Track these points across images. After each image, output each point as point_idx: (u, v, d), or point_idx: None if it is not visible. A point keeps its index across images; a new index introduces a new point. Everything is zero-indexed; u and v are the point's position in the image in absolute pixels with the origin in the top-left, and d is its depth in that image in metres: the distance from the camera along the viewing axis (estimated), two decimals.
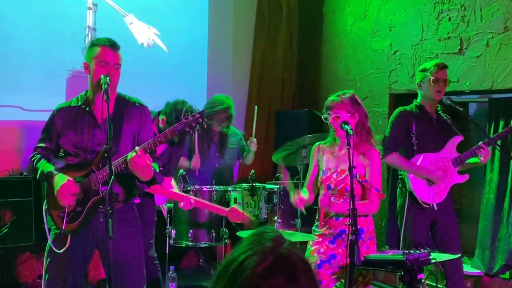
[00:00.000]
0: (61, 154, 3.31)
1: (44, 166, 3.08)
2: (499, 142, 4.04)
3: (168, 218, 4.46)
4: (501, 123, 4.58)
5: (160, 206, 4.80)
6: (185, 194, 3.99)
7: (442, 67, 4.02)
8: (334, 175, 3.28)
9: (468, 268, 4.78)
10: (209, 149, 4.74)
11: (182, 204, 3.92)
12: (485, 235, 4.70)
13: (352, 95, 3.31)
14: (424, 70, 4.04)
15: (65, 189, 2.94)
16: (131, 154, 2.88)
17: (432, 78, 3.96)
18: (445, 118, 4.09)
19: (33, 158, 3.15)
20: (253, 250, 1.26)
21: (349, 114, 3.23)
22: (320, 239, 3.30)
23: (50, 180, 3.02)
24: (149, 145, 2.93)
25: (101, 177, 2.98)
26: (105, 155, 2.87)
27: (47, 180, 3.07)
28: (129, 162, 2.88)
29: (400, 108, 4.13)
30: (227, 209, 3.92)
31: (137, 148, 2.90)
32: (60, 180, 2.97)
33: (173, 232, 4.38)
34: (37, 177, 3.11)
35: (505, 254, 4.52)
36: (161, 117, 4.06)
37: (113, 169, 2.77)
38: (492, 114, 4.72)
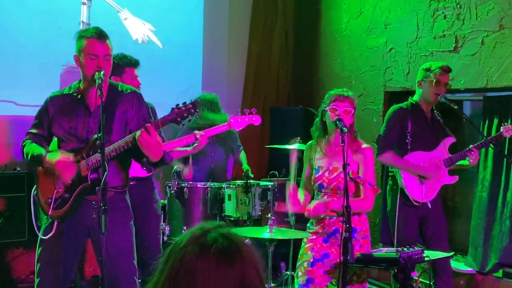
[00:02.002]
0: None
1: (35, 148, 3.06)
2: None
3: (162, 215, 4.46)
4: (495, 121, 4.59)
5: None
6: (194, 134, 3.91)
7: (447, 70, 4.01)
8: (326, 173, 3.28)
9: (461, 266, 4.80)
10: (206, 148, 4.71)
11: (195, 145, 3.92)
12: (478, 233, 4.71)
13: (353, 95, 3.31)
14: (428, 70, 4.01)
15: (61, 163, 2.93)
16: (139, 132, 2.85)
17: (434, 79, 3.96)
18: (438, 117, 4.10)
19: (24, 143, 3.14)
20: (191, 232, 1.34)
21: (353, 112, 3.24)
22: (314, 237, 3.30)
23: (41, 161, 3.00)
24: (159, 122, 2.89)
25: (91, 164, 2.96)
26: (98, 151, 2.86)
27: (37, 162, 3.04)
28: (138, 140, 2.83)
29: (395, 106, 4.12)
30: (226, 123, 3.87)
31: (147, 125, 2.85)
32: (53, 157, 2.96)
33: (167, 228, 4.38)
34: (28, 159, 3.08)
35: (498, 252, 4.53)
36: None
37: (105, 164, 2.76)
38: (486, 112, 4.72)
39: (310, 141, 3.45)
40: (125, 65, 4.04)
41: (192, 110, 2.92)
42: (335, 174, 3.24)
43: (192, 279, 1.25)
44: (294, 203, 3.27)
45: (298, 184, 3.42)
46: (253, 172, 4.73)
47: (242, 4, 6.52)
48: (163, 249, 4.37)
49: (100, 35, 2.99)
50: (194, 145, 3.96)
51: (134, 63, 4.10)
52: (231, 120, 3.86)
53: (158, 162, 3.04)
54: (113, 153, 2.94)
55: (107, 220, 2.68)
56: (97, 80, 2.87)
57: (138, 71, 4.14)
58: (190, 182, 4.43)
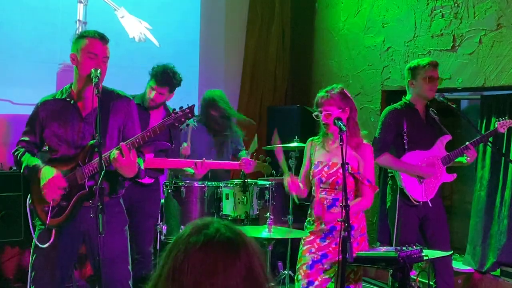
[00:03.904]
0: (45, 148, 3.27)
1: (29, 159, 3.02)
2: (490, 139, 4.06)
3: (159, 214, 4.44)
4: (493, 120, 4.59)
5: None
6: (195, 160, 4.03)
7: (436, 65, 4.01)
8: (326, 168, 3.27)
9: (459, 265, 4.80)
10: (210, 145, 4.68)
11: (195, 171, 4.01)
12: (476, 232, 4.72)
13: (341, 89, 3.28)
14: (415, 68, 4.00)
15: (52, 183, 2.89)
16: (114, 153, 2.84)
17: (427, 76, 3.94)
18: (434, 115, 4.08)
19: (17, 152, 3.09)
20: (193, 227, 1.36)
21: (340, 110, 3.23)
22: (312, 237, 3.28)
23: (36, 173, 2.96)
24: (135, 141, 2.90)
25: (87, 171, 2.93)
26: (95, 150, 2.83)
27: (32, 173, 3.00)
28: (113, 161, 2.84)
29: (389, 107, 4.11)
30: (239, 162, 4.03)
31: (121, 144, 2.86)
32: (48, 173, 2.92)
33: (164, 227, 4.35)
34: (21, 171, 3.04)
35: (496, 251, 4.53)
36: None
37: (103, 164, 2.74)
38: (484, 111, 4.72)
39: (312, 137, 3.46)
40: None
41: (190, 115, 2.93)
42: (334, 169, 3.24)
43: (198, 270, 1.24)
44: (293, 188, 3.28)
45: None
46: (250, 171, 4.71)
47: (239, 2, 6.50)
48: (158, 250, 4.36)
49: (102, 37, 3.00)
50: (193, 172, 4.04)
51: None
52: (243, 161, 4.03)
53: (131, 178, 3.05)
54: (106, 163, 2.91)
55: (103, 223, 2.66)
56: (93, 79, 2.86)
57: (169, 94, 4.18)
58: (188, 181, 4.40)
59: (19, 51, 5.09)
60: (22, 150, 3.09)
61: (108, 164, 2.89)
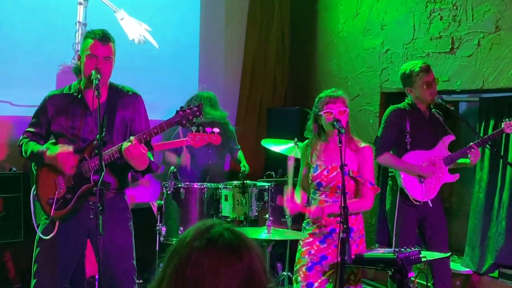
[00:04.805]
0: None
1: (34, 146, 3.07)
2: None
3: (158, 215, 4.45)
4: (491, 123, 4.60)
5: (150, 203, 4.80)
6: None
7: (429, 68, 4.00)
8: (325, 172, 3.27)
9: (457, 267, 4.81)
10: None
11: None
12: (475, 234, 4.73)
13: (344, 93, 3.31)
14: (410, 76, 3.99)
15: (64, 155, 2.93)
16: (126, 144, 2.87)
17: (424, 83, 3.95)
18: (438, 115, 4.07)
19: (21, 142, 3.14)
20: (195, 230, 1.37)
21: (348, 110, 3.25)
22: (311, 239, 3.29)
23: (42, 156, 3.00)
24: (144, 135, 2.92)
25: (93, 165, 2.96)
26: (96, 151, 2.86)
27: (38, 158, 3.04)
28: (124, 152, 2.88)
29: (392, 107, 4.12)
30: (185, 138, 3.47)
31: (131, 137, 2.89)
32: (54, 150, 2.96)
33: (163, 229, 4.36)
34: (27, 156, 3.08)
35: (495, 253, 4.54)
36: None
37: (103, 165, 2.76)
38: (482, 114, 4.73)
39: (307, 140, 3.46)
40: None
41: (198, 113, 2.93)
42: (334, 173, 3.23)
43: (200, 274, 1.26)
44: (292, 207, 3.29)
45: (294, 185, 3.43)
46: (249, 173, 4.73)
47: (239, 4, 6.51)
48: (158, 251, 4.36)
49: (103, 37, 3.01)
50: None
51: None
52: (190, 136, 3.56)
53: (143, 171, 3.07)
54: (106, 157, 2.94)
55: (107, 220, 2.68)
56: (94, 80, 2.88)
57: None
58: (187, 183, 4.42)
59: (19, 52, 5.09)
60: (27, 139, 3.13)
61: (119, 156, 2.91)
